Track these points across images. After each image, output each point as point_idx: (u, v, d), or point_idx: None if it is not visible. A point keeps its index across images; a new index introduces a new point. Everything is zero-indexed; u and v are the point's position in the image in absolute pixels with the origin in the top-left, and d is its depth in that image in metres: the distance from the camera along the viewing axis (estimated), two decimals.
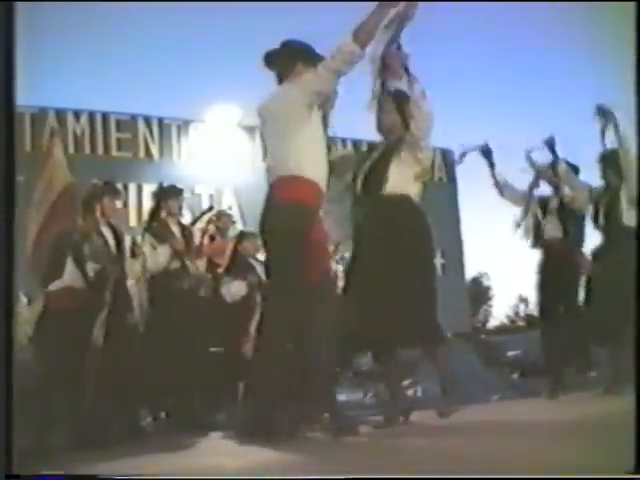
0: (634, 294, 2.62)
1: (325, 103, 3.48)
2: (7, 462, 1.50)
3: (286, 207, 3.23)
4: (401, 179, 3.66)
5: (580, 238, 5.48)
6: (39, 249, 4.30)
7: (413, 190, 3.71)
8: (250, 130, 8.49)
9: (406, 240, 3.57)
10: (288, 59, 3.41)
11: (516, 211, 5.51)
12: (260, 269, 5.39)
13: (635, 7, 2.19)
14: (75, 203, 4.62)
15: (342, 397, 5.72)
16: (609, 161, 5.00)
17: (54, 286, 4.44)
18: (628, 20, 2.22)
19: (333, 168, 3.68)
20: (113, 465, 2.99)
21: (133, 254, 4.83)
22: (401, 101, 3.72)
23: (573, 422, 3.16)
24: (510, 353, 7.22)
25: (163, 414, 4.89)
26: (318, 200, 3.36)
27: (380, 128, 3.84)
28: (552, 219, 5.48)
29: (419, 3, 3.52)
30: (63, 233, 4.54)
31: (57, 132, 4.70)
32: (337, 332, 3.31)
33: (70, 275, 4.49)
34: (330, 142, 3.67)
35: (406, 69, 3.69)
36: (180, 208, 5.29)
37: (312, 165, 3.31)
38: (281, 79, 3.43)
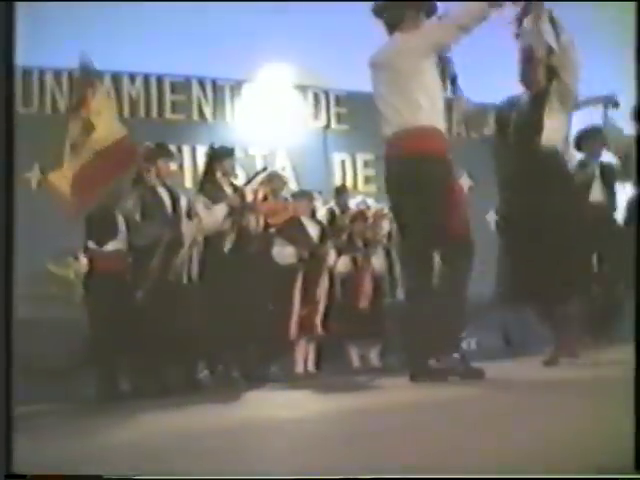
0: (634, 283, 2.57)
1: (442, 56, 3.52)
2: (7, 462, 1.56)
3: (423, 158, 3.25)
4: (552, 130, 3.77)
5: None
6: (88, 199, 4.41)
7: (560, 140, 3.85)
8: (303, 89, 8.47)
9: (558, 192, 3.72)
10: (397, 8, 3.41)
11: None
12: (315, 231, 5.46)
13: (635, 7, 2.13)
14: (134, 158, 4.71)
15: None
16: None
17: (110, 246, 4.59)
18: (628, 20, 2.15)
19: (467, 122, 3.99)
20: (170, 414, 3.12)
21: (189, 215, 4.92)
22: (547, 53, 3.80)
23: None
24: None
25: (220, 367, 5.01)
26: (449, 150, 3.39)
27: (524, 80, 3.91)
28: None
29: None
30: (114, 190, 4.65)
31: (98, 79, 4.74)
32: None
33: (124, 237, 4.64)
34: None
35: (552, 19, 3.76)
36: (233, 168, 5.34)
37: (438, 115, 3.34)
38: (392, 29, 3.43)
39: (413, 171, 3.26)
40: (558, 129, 3.83)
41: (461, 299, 3.35)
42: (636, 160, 4.39)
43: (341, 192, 6.64)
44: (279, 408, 3.15)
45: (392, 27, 3.43)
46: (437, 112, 3.32)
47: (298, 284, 5.25)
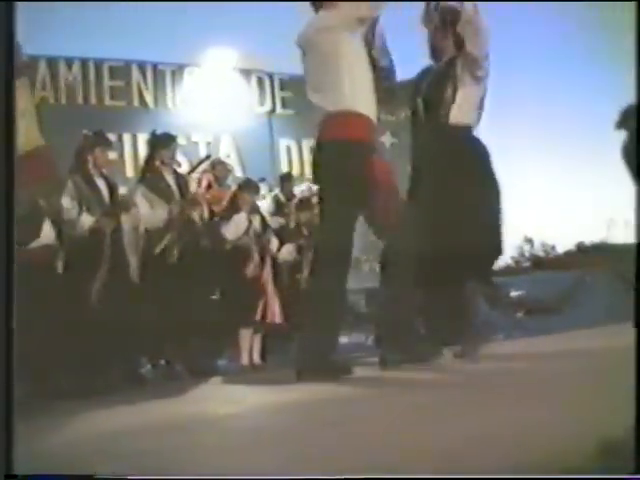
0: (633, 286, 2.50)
1: (368, 32, 3.35)
2: (7, 462, 1.50)
3: (341, 145, 3.12)
4: (463, 105, 3.56)
5: None
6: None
7: (472, 117, 3.62)
8: (247, 73, 8.33)
9: (470, 174, 3.51)
10: None
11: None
12: (256, 220, 5.38)
13: (635, 7, 2.09)
14: (49, 170, 4.46)
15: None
16: None
17: (34, 244, 4.42)
18: (628, 20, 2.12)
19: (383, 102, 3.57)
20: (110, 413, 3.02)
21: (127, 206, 4.77)
22: (452, 20, 3.59)
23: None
24: (514, 293, 7.23)
25: (162, 361, 4.91)
26: (373, 135, 3.25)
27: (432, 53, 3.73)
28: None
29: None
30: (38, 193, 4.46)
31: (25, 74, 4.45)
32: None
33: (48, 234, 4.46)
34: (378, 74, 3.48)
35: None
36: (173, 157, 5.19)
37: (363, 98, 3.19)
38: (317, 7, 3.29)
39: (332, 158, 3.17)
40: (469, 103, 3.61)
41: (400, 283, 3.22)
42: (636, 163, 4.29)
43: (286, 179, 6.57)
44: (218, 403, 3.08)
45: (317, 5, 3.29)
46: (360, 94, 3.19)
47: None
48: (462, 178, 3.49)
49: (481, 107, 3.68)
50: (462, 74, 3.56)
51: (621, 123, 5.09)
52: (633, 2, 2.14)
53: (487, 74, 3.66)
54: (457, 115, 3.56)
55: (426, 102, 3.65)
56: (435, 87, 3.62)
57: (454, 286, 3.62)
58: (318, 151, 3.28)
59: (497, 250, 3.62)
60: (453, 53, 3.62)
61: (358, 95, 3.17)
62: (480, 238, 3.45)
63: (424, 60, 3.83)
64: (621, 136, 5.09)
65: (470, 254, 3.40)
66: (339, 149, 3.14)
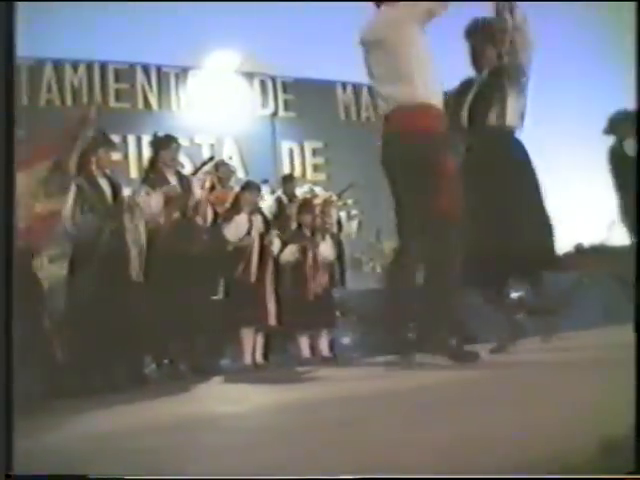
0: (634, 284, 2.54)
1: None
2: (7, 462, 1.53)
3: (414, 136, 3.16)
4: (510, 112, 3.67)
5: None
6: None
7: (516, 121, 3.73)
8: (250, 76, 8.38)
9: (515, 173, 3.62)
10: None
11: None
12: (258, 221, 5.43)
13: (635, 7, 2.12)
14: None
15: None
16: None
17: None
18: (628, 20, 2.15)
19: None
20: (112, 413, 3.05)
21: (130, 207, 4.81)
22: (497, 31, 3.69)
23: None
24: (514, 294, 7.21)
25: (166, 361, 4.95)
26: (444, 127, 3.28)
27: (475, 62, 3.83)
28: None
29: None
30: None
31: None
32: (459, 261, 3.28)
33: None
34: None
35: None
36: (174, 158, 5.22)
37: (435, 90, 3.24)
38: (379, 1, 3.33)
39: (405, 150, 3.20)
40: (515, 109, 3.73)
41: (449, 279, 3.27)
42: (636, 162, 4.35)
43: (288, 181, 6.61)
44: (221, 402, 3.12)
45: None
46: (431, 86, 3.24)
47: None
48: (514, 181, 3.61)
49: (524, 109, 3.79)
50: (509, 82, 3.67)
51: (610, 129, 5.21)
52: (633, 2, 2.17)
53: (528, 79, 3.77)
54: (507, 120, 3.68)
55: (472, 112, 3.75)
56: (482, 97, 3.73)
57: (496, 287, 3.87)
58: (391, 142, 3.28)
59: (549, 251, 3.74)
60: (496, 63, 3.73)
61: (430, 87, 3.22)
62: (534, 239, 3.59)
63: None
64: (609, 141, 5.22)
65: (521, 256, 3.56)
66: (416, 140, 3.16)
